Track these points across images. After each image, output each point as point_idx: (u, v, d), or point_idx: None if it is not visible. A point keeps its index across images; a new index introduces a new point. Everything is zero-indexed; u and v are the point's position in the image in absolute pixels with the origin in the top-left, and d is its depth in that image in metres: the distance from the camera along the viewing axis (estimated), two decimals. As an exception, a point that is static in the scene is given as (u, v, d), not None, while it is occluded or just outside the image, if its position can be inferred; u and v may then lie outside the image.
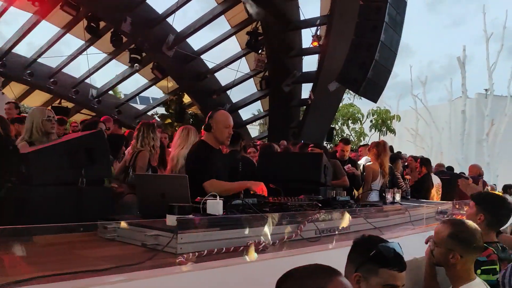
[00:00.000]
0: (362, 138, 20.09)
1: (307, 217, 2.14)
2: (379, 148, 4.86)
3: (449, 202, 4.30)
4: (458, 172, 9.13)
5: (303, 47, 12.38)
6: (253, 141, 9.10)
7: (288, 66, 12.01)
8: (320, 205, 2.51)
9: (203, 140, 2.93)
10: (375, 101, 8.95)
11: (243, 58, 13.03)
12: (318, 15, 11.59)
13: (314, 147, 5.26)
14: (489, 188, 7.93)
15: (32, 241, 1.70)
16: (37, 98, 13.26)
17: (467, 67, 24.86)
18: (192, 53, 12.54)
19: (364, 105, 18.49)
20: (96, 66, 12.62)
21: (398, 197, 3.55)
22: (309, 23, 11.51)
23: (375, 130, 20.04)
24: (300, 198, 2.62)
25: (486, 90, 24.50)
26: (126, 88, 21.66)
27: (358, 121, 20.27)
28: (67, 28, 11.20)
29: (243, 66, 13.17)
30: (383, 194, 3.66)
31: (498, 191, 9.73)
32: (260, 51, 12.36)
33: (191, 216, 1.76)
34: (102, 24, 10.84)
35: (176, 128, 4.04)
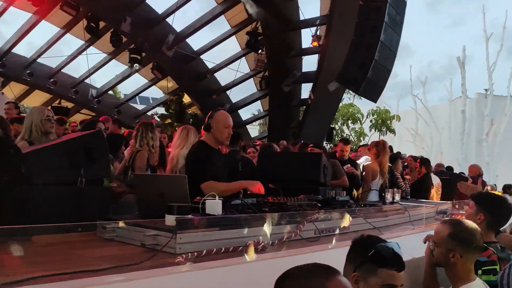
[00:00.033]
0: (362, 138, 20.09)
1: (307, 217, 2.14)
2: (379, 147, 4.86)
3: (449, 202, 4.30)
4: (457, 172, 9.14)
5: (303, 47, 12.38)
6: (253, 141, 9.10)
7: (288, 66, 12.02)
8: (319, 205, 2.51)
9: (203, 140, 2.92)
10: (374, 101, 8.95)
11: (243, 58, 13.04)
12: (318, 15, 11.60)
13: (314, 147, 5.27)
14: (489, 188, 7.92)
15: (31, 241, 1.71)
16: (37, 98, 13.26)
17: (467, 67, 24.90)
18: (192, 53, 12.54)
19: (364, 105, 18.51)
20: (96, 66, 12.62)
21: (397, 197, 3.55)
22: (309, 23, 11.51)
23: (375, 130, 20.05)
24: (300, 198, 2.62)
25: (486, 90, 24.52)
26: (125, 88, 21.71)
27: (358, 121, 20.27)
28: (67, 28, 11.20)
29: (243, 66, 13.19)
30: (383, 194, 3.65)
31: (498, 191, 9.74)
32: (260, 51, 12.37)
33: (190, 216, 1.76)
34: (102, 24, 10.84)
35: (176, 128, 4.05)
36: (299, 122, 12.05)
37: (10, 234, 1.59)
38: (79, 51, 11.98)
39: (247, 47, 12.13)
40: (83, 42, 11.60)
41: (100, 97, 13.56)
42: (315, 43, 11.28)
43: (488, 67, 23.73)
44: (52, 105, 12.62)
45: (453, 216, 3.26)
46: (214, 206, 1.90)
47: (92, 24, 10.56)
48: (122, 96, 17.68)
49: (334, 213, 2.43)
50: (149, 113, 15.23)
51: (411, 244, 2.25)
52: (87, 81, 13.19)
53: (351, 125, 20.52)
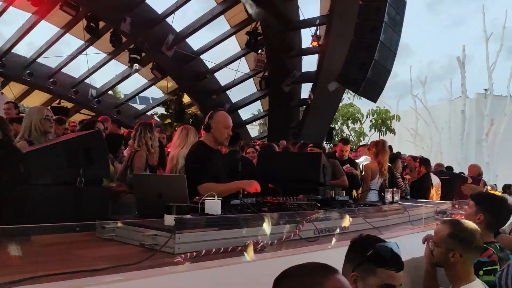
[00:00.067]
0: (361, 138, 20.10)
1: (306, 217, 2.14)
2: (378, 147, 4.87)
3: (449, 202, 4.30)
4: (457, 172, 9.14)
5: (302, 47, 12.38)
6: (253, 141, 9.10)
7: (287, 66, 12.02)
8: (318, 205, 2.51)
9: (202, 141, 2.92)
10: (374, 101, 8.95)
11: (243, 58, 13.04)
12: (318, 15, 11.60)
13: (314, 147, 5.27)
14: (489, 188, 7.92)
15: (30, 241, 1.70)
16: (37, 98, 13.26)
17: (467, 67, 24.88)
18: (191, 53, 12.54)
19: (363, 105, 18.52)
20: (95, 66, 12.62)
21: (397, 197, 3.55)
22: (308, 23, 11.51)
23: (375, 130, 20.05)
24: (299, 198, 2.63)
25: (485, 90, 24.52)
26: (125, 88, 21.70)
27: (358, 121, 20.28)
28: (67, 28, 11.20)
29: (242, 66, 13.20)
30: (382, 194, 3.65)
31: (499, 191, 9.74)
32: (259, 51, 12.37)
33: (189, 216, 1.76)
34: (101, 24, 10.84)
35: (176, 128, 4.05)
36: (299, 122, 12.05)
37: (9, 234, 1.59)
38: (79, 51, 11.98)
39: (247, 47, 12.13)
40: (82, 42, 11.60)
41: (100, 97, 13.56)
42: (315, 43, 11.28)
43: (488, 67, 23.73)
44: (52, 105, 12.62)
45: (453, 216, 3.25)
46: (213, 206, 1.90)
47: (91, 24, 10.56)
48: (122, 96, 17.67)
49: (333, 213, 2.43)
50: (149, 113, 15.23)
51: (410, 244, 2.25)
52: (87, 81, 13.19)
53: (351, 125, 20.53)
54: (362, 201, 4.01)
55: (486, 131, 23.25)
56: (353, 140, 19.51)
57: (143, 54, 11.80)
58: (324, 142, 12.46)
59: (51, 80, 12.49)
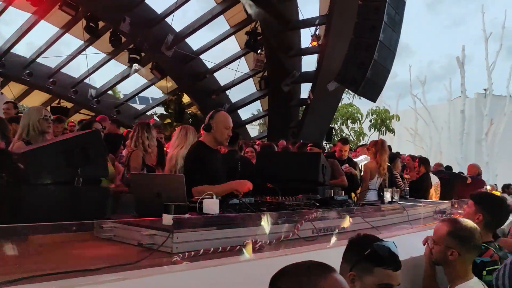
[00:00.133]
0: (361, 138, 20.10)
1: (304, 217, 2.13)
2: (377, 147, 4.88)
3: (448, 201, 4.30)
4: (457, 172, 9.14)
5: (302, 47, 12.38)
6: (253, 141, 9.10)
7: (287, 66, 12.01)
8: (317, 204, 2.50)
9: (202, 141, 2.92)
10: (374, 100, 8.95)
11: (242, 58, 13.04)
12: (317, 14, 11.60)
13: (313, 147, 5.27)
14: (488, 188, 7.92)
15: (27, 241, 1.70)
16: (36, 98, 13.26)
17: (467, 67, 24.90)
18: (191, 53, 12.54)
19: (363, 104, 18.53)
20: (95, 66, 12.62)
21: (396, 196, 3.54)
22: (308, 23, 11.51)
23: (374, 130, 20.06)
24: (298, 198, 2.63)
25: (485, 89, 24.53)
26: (125, 88, 21.70)
27: (358, 121, 20.28)
28: (66, 28, 11.20)
29: (242, 66, 13.20)
30: (381, 194, 3.65)
31: (498, 190, 9.75)
32: (259, 51, 12.37)
33: (187, 215, 1.76)
34: (101, 24, 10.84)
35: (176, 128, 4.06)
36: (299, 122, 12.05)
37: (6, 233, 1.59)
38: (79, 51, 11.98)
39: (247, 47, 12.13)
40: (82, 42, 11.60)
41: (99, 97, 13.56)
42: (314, 43, 11.28)
43: (488, 67, 23.73)
44: (52, 105, 12.62)
45: (452, 215, 3.26)
46: (211, 205, 1.90)
47: (91, 24, 10.56)
48: (122, 96, 17.67)
49: (332, 212, 2.42)
50: (148, 113, 15.23)
51: (409, 243, 2.25)
52: (86, 81, 13.19)
53: (350, 125, 20.54)
54: (361, 201, 4.01)
55: (485, 131, 23.26)
56: (352, 140, 19.52)
57: (143, 54, 11.80)
58: (324, 142, 12.46)
59: (51, 80, 12.49)
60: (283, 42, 11.76)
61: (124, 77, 13.24)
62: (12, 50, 11.79)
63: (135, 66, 12.00)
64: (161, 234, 1.60)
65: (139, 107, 16.64)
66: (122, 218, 1.91)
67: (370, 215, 2.70)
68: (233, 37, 12.58)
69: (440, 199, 5.57)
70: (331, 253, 1.72)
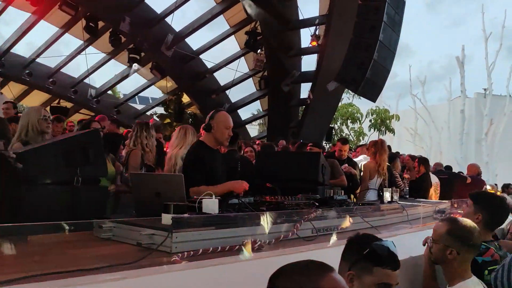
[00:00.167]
0: (361, 138, 20.09)
1: (304, 216, 2.14)
2: (377, 146, 4.88)
3: (447, 201, 4.30)
4: (456, 172, 9.14)
5: (302, 46, 12.38)
6: (253, 141, 9.10)
7: (287, 65, 12.01)
8: (317, 204, 2.50)
9: (201, 141, 2.92)
10: (374, 100, 8.95)
11: (242, 58, 13.04)
12: (317, 14, 11.60)
13: (313, 146, 5.27)
14: (489, 187, 7.92)
15: (27, 240, 1.70)
16: (36, 98, 13.26)
17: (466, 67, 24.89)
18: (191, 52, 12.53)
19: (363, 104, 18.51)
20: (94, 66, 12.61)
21: (395, 196, 3.55)
22: (308, 22, 11.51)
23: (374, 130, 20.05)
24: (297, 197, 2.63)
25: (485, 89, 24.51)
26: (125, 88, 21.68)
27: (357, 121, 20.26)
28: (66, 28, 11.20)
29: (242, 66, 13.20)
30: (381, 193, 3.66)
31: (499, 190, 9.75)
32: (259, 51, 12.37)
33: (186, 215, 1.76)
34: (100, 24, 10.83)
35: (175, 128, 4.07)
36: (299, 122, 12.04)
37: (5, 233, 1.59)
38: (78, 51, 11.98)
39: (246, 46, 12.13)
40: (82, 42, 11.59)
41: (99, 97, 13.56)
42: (314, 43, 11.28)
43: (487, 66, 23.72)
44: (51, 105, 12.62)
45: (452, 215, 3.26)
46: (210, 205, 1.90)
47: (91, 24, 10.56)
48: (122, 96, 17.66)
49: (331, 212, 2.42)
50: (148, 113, 15.23)
51: (408, 243, 2.26)
52: (86, 81, 13.18)
53: (350, 125, 20.52)
54: (361, 200, 4.01)
55: (485, 130, 23.25)
56: (352, 139, 19.52)
57: (143, 54, 11.79)
58: (324, 142, 12.46)
59: (51, 80, 12.49)
60: (283, 42, 11.76)
61: (124, 77, 13.24)
62: (12, 50, 11.79)
63: (135, 66, 12.00)
64: (160, 234, 1.60)
65: (139, 107, 16.64)
66: (121, 218, 1.91)
67: (370, 214, 2.70)
68: (232, 37, 12.58)
69: (439, 199, 5.57)
70: (331, 253, 1.72)
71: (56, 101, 12.84)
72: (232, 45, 12.95)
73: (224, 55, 13.31)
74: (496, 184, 11.99)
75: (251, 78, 13.65)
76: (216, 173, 2.86)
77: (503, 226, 3.29)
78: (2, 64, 11.50)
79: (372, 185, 4.71)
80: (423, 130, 25.21)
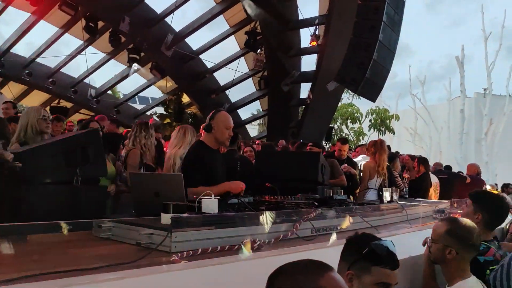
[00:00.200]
0: (361, 138, 20.09)
1: (303, 216, 2.14)
2: (376, 146, 4.88)
3: (447, 201, 4.31)
4: (456, 171, 9.13)
5: (301, 46, 12.37)
6: (253, 141, 9.10)
7: (286, 65, 12.01)
8: (316, 203, 2.50)
9: (202, 141, 2.92)
10: (373, 100, 8.95)
11: (242, 58, 13.03)
12: (317, 14, 11.60)
13: (313, 146, 5.27)
14: (489, 187, 7.92)
15: (26, 240, 1.70)
16: (36, 98, 13.25)
17: (466, 67, 24.90)
18: (190, 52, 12.53)
19: (363, 104, 18.52)
20: (94, 66, 12.61)
21: (395, 196, 3.55)
22: (307, 22, 11.51)
23: (374, 130, 20.04)
24: (297, 197, 2.63)
25: (484, 89, 24.54)
26: (124, 88, 21.68)
27: (357, 121, 20.26)
28: (66, 28, 11.19)
29: (242, 66, 13.19)
30: (380, 193, 3.66)
31: (499, 190, 9.75)
32: (258, 51, 12.36)
33: (185, 214, 1.76)
34: (100, 24, 10.83)
35: (175, 128, 4.07)
36: (298, 121, 12.04)
37: (5, 232, 1.59)
38: (78, 51, 11.97)
39: (246, 46, 12.12)
40: (82, 42, 11.59)
41: (99, 97, 13.55)
42: (314, 43, 11.28)
43: (487, 66, 23.73)
44: (51, 105, 12.62)
45: (451, 215, 3.26)
46: (210, 204, 1.90)
47: (90, 24, 10.55)
48: (121, 96, 17.66)
49: (331, 211, 2.43)
50: (148, 113, 15.22)
51: (408, 242, 2.26)
52: (86, 81, 13.18)
53: (350, 125, 20.51)
54: (360, 200, 4.01)
55: (485, 130, 23.26)
56: (352, 139, 19.52)
57: (142, 54, 11.79)
58: (323, 142, 12.46)
59: (50, 80, 12.48)
60: (282, 42, 11.75)
61: (123, 77, 13.23)
62: (12, 50, 11.79)
63: (135, 66, 12.00)
64: (160, 234, 1.60)
65: (139, 107, 16.63)
66: (121, 217, 1.91)
67: (369, 214, 2.70)
68: (232, 37, 12.58)
69: (439, 199, 5.57)
70: (330, 253, 1.72)
71: (56, 101, 12.83)
72: (232, 45, 12.97)
73: (224, 55, 13.33)
74: (496, 184, 12.00)
75: (251, 78, 13.65)
76: (216, 173, 2.86)
77: (503, 225, 3.29)
78: (2, 64, 11.50)
79: (372, 185, 4.71)
80: (423, 130, 25.21)
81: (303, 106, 12.16)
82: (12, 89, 12.46)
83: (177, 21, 11.87)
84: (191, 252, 1.55)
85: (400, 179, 5.65)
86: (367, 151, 5.34)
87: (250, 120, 16.24)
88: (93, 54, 12.21)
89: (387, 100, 23.91)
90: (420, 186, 5.86)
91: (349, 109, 20.25)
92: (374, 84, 8.04)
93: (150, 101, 17.11)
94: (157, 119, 13.96)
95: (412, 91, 26.25)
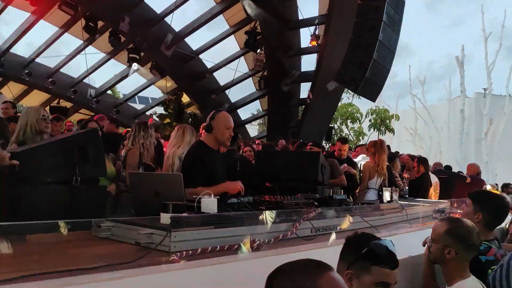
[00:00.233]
0: (361, 138, 20.09)
1: (303, 215, 2.13)
2: (376, 147, 4.88)
3: (447, 200, 4.30)
4: (456, 171, 9.13)
5: (301, 46, 12.37)
6: (253, 141, 9.09)
7: (286, 65, 12.00)
8: (316, 203, 2.50)
9: (202, 141, 2.92)
10: (373, 100, 8.95)
11: (242, 58, 13.03)
12: (317, 14, 11.60)
13: (313, 146, 5.27)
14: (489, 187, 7.92)
15: (25, 240, 1.70)
16: (36, 98, 13.25)
17: (466, 67, 24.88)
18: (190, 52, 12.53)
19: (363, 104, 18.52)
20: (94, 65, 12.60)
21: (395, 196, 3.54)
22: (307, 22, 11.51)
23: (374, 130, 20.04)
24: (296, 197, 2.62)
25: (484, 89, 24.54)
26: (124, 88, 21.69)
27: (357, 121, 20.26)
28: (65, 27, 11.19)
29: (241, 66, 13.19)
30: (380, 193, 3.66)
31: (498, 190, 9.75)
32: (258, 51, 12.36)
33: (185, 214, 1.76)
34: (100, 23, 10.83)
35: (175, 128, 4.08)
36: (298, 121, 12.04)
37: (4, 232, 1.58)
38: (78, 51, 11.97)
39: (246, 46, 12.12)
40: (81, 41, 11.59)
41: (99, 97, 13.55)
42: (314, 43, 11.28)
43: (487, 66, 23.72)
44: (51, 105, 12.62)
45: (451, 215, 3.26)
46: (209, 204, 1.90)
47: (90, 23, 10.55)
48: (121, 96, 17.65)
49: (330, 211, 2.42)
50: (148, 113, 15.22)
51: (408, 242, 2.26)
52: (85, 80, 13.18)
53: (350, 125, 20.51)
54: (360, 200, 4.01)
55: (485, 130, 23.26)
56: (352, 139, 19.51)
57: (142, 53, 11.79)
58: (323, 142, 12.45)
59: (50, 80, 12.48)
60: (282, 41, 11.75)
61: (123, 76, 13.24)
62: (11, 50, 11.79)
63: (135, 65, 12.00)
64: (159, 233, 1.60)
65: (139, 106, 16.63)
66: (120, 217, 1.91)
67: (369, 214, 2.70)
68: (232, 36, 12.58)
69: (439, 199, 5.57)
70: (330, 252, 1.72)
71: (56, 101, 12.84)
72: (231, 45, 12.96)
73: (223, 55, 13.33)
74: (496, 184, 12.00)
75: (250, 78, 13.65)
76: (216, 173, 2.86)
77: (502, 225, 3.29)
78: (2, 64, 11.50)
79: (372, 185, 4.70)
80: (423, 130, 25.21)
81: (303, 106, 12.15)
82: (11, 89, 12.46)
83: (177, 21, 11.88)
84: (190, 251, 1.55)
85: (400, 179, 5.64)
86: (367, 151, 5.34)
87: (250, 120, 16.24)
88: (93, 54, 12.23)
89: (387, 100, 23.95)
90: (420, 186, 5.86)
91: (349, 109, 20.25)
92: (374, 84, 8.04)
93: (150, 101, 17.11)
94: (157, 119, 13.96)
95: (412, 91, 26.29)
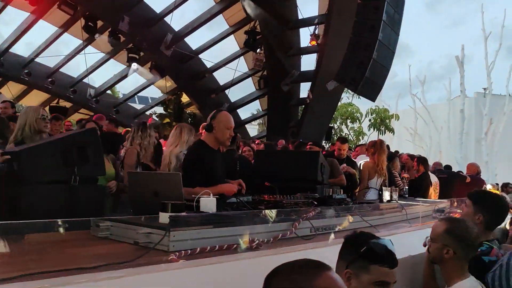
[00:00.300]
0: (360, 137, 20.09)
1: (302, 215, 2.13)
2: (376, 147, 4.88)
3: (447, 200, 4.31)
4: (456, 171, 9.13)
5: (301, 46, 12.37)
6: (252, 140, 9.09)
7: (286, 65, 12.01)
8: (315, 203, 2.50)
9: (202, 140, 2.92)
10: (373, 100, 8.95)
11: (242, 57, 13.03)
12: (316, 14, 11.60)
13: (313, 145, 5.27)
14: (489, 187, 7.92)
15: (23, 239, 1.69)
16: (35, 98, 13.25)
17: (466, 67, 24.87)
18: (190, 52, 12.53)
19: (362, 104, 18.53)
20: (94, 65, 12.60)
21: (395, 195, 3.54)
22: (307, 22, 11.51)
23: (374, 129, 20.05)
24: (296, 196, 2.62)
25: (484, 89, 24.54)
26: (124, 88, 21.69)
27: (357, 120, 20.26)
28: (65, 27, 11.19)
29: (241, 65, 13.20)
30: (380, 193, 3.65)
31: (498, 190, 9.75)
32: (258, 50, 12.36)
33: (184, 213, 1.75)
34: (99, 23, 10.83)
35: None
36: (298, 121, 12.04)
37: (3, 231, 1.58)
38: (77, 51, 11.97)
39: (246, 46, 12.13)
40: (81, 41, 11.58)
41: (98, 96, 13.55)
42: (314, 42, 11.28)
43: (487, 66, 23.72)
44: (50, 104, 12.62)
45: (451, 214, 3.25)
46: (208, 204, 1.89)
47: (90, 23, 10.56)
48: (121, 96, 17.66)
49: (330, 211, 2.42)
50: (147, 113, 15.22)
51: (408, 242, 2.25)
52: (85, 80, 13.18)
53: (350, 124, 20.52)
54: (360, 200, 4.01)
55: (485, 130, 23.26)
56: (352, 139, 19.51)
57: (142, 53, 11.79)
58: (323, 142, 12.45)
59: (49, 79, 12.48)
60: (282, 41, 11.75)
61: (123, 76, 13.24)
62: (11, 50, 11.79)
63: (134, 65, 12.00)
64: (158, 233, 1.59)
65: (138, 106, 16.64)
66: (118, 216, 1.91)
67: (369, 213, 2.70)
68: (232, 36, 12.58)
69: (439, 198, 5.56)
70: (329, 252, 1.71)
71: (55, 101, 12.83)
72: (231, 45, 12.97)
73: (223, 54, 13.33)
74: (497, 184, 12.00)
75: (250, 78, 13.65)
76: (216, 173, 2.86)
77: (502, 225, 3.28)
78: (1, 64, 11.50)
79: (372, 185, 4.70)
80: (423, 130, 25.21)
81: (303, 106, 12.15)
82: (11, 89, 12.46)
83: (177, 21, 11.93)
84: (189, 251, 1.54)
85: (399, 179, 5.64)
86: (366, 151, 5.34)
87: (249, 120, 16.24)
88: (93, 54, 12.23)
89: (387, 100, 23.92)
90: (419, 186, 5.86)
91: (349, 109, 20.26)
92: (374, 83, 8.03)
93: (150, 101, 17.11)
94: (156, 119, 13.95)
95: (412, 91, 26.28)
